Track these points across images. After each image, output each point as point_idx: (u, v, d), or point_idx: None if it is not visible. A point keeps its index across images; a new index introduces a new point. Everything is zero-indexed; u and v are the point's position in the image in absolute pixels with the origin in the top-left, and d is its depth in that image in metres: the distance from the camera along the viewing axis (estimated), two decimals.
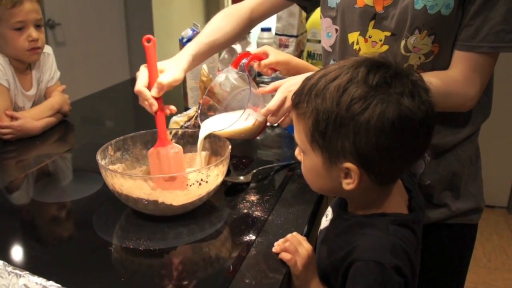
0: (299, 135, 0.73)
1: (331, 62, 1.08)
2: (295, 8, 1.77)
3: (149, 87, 0.94)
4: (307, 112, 0.69)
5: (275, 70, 1.10)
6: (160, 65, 0.98)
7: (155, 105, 0.93)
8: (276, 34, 1.85)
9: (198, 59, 1.08)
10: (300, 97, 0.71)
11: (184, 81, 1.58)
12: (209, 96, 1.07)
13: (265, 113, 0.95)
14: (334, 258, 0.73)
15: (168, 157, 0.94)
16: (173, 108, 0.96)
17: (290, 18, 1.80)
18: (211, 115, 1.07)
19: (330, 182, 0.72)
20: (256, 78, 1.66)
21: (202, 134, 0.99)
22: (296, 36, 1.82)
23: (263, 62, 1.04)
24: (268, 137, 1.37)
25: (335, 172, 0.70)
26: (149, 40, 0.93)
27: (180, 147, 0.97)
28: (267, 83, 1.63)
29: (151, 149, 0.96)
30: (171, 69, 0.98)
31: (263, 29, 1.88)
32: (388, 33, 0.93)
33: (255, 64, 1.05)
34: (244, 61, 1.04)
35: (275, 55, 1.05)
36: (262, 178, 1.07)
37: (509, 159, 2.84)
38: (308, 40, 1.89)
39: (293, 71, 1.07)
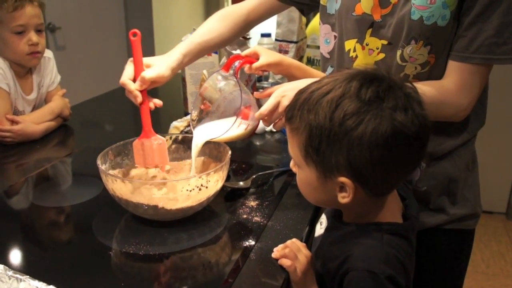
0: (293, 149, 0.73)
1: (329, 68, 1.09)
2: (295, 14, 1.78)
3: (134, 80, 0.97)
4: (300, 128, 0.69)
5: (266, 71, 1.08)
6: (148, 60, 1.01)
7: (139, 97, 0.96)
8: (276, 40, 1.86)
9: (189, 58, 1.10)
10: (293, 111, 0.71)
11: (184, 86, 1.59)
12: (200, 100, 1.06)
13: (257, 117, 0.95)
14: (329, 267, 0.73)
15: (151, 148, 0.97)
16: (157, 102, 0.99)
17: (290, 24, 1.80)
18: (203, 119, 1.06)
19: (325, 195, 0.72)
20: (256, 83, 1.67)
21: (195, 144, 0.99)
22: (296, 42, 1.83)
23: (254, 65, 1.02)
24: (268, 142, 1.38)
25: (330, 186, 0.70)
26: (135, 34, 0.96)
27: (163, 138, 0.99)
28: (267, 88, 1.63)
29: (136, 140, 0.99)
30: (158, 65, 1.01)
31: (263, 35, 1.89)
32: (385, 42, 0.94)
33: (246, 67, 1.03)
34: (236, 64, 1.03)
35: (266, 57, 1.03)
36: (261, 183, 1.08)
37: (508, 165, 2.85)
38: (307, 46, 1.90)
39: (285, 72, 1.06)
